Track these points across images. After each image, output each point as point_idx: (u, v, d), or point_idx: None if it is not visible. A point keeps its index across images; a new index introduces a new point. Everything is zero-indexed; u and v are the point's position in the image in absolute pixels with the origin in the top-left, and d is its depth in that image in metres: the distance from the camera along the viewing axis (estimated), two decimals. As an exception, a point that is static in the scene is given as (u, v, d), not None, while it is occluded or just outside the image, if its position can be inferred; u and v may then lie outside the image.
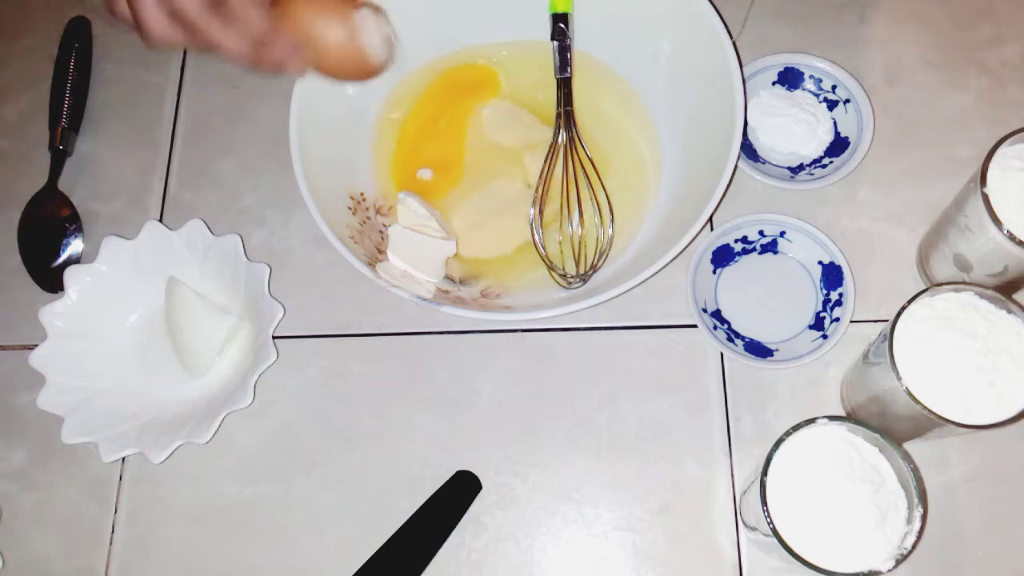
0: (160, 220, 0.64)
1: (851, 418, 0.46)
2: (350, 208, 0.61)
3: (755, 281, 0.61)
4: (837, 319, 0.58)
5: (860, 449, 0.46)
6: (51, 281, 0.64)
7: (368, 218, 0.62)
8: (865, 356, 0.53)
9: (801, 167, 0.64)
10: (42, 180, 0.67)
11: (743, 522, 0.55)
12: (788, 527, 0.45)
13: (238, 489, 0.59)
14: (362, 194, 0.63)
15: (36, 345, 0.59)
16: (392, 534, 0.56)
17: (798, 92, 0.65)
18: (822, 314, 0.59)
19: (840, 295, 0.59)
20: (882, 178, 0.63)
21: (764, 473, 0.45)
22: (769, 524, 0.44)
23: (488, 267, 0.62)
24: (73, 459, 0.60)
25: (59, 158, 0.68)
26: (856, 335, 0.58)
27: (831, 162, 0.63)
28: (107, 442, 0.57)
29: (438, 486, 0.57)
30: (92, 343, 0.61)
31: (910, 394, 0.46)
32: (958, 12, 0.68)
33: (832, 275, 0.60)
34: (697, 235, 0.54)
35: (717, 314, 0.60)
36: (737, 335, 0.59)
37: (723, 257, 0.61)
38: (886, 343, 0.47)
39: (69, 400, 0.58)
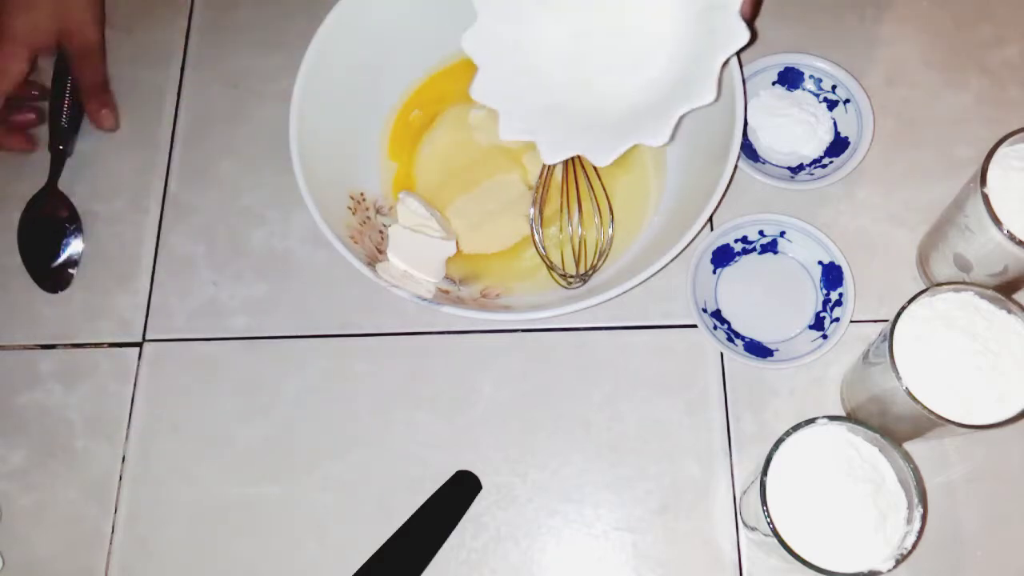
0: (160, 220, 0.64)
1: (851, 418, 0.46)
2: (350, 208, 0.61)
3: (755, 281, 0.61)
4: (837, 319, 0.58)
5: (860, 449, 0.46)
6: (51, 280, 0.64)
7: (368, 218, 0.62)
8: (865, 356, 0.53)
9: (801, 167, 0.64)
10: (42, 180, 0.67)
11: (743, 522, 0.55)
12: (788, 527, 0.45)
13: (238, 489, 0.59)
14: (362, 194, 0.63)
15: (36, 345, 0.59)
16: (392, 534, 0.56)
17: (798, 92, 0.65)
18: (822, 314, 0.59)
19: (840, 295, 0.59)
20: (882, 178, 0.63)
21: (764, 473, 0.45)
22: (769, 524, 0.44)
23: (488, 267, 0.62)
24: (73, 459, 0.60)
25: (59, 158, 0.68)
26: (856, 335, 0.58)
27: (831, 162, 0.63)
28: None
29: (438, 486, 0.57)
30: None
31: (910, 394, 0.46)
32: (958, 12, 0.68)
33: (832, 275, 0.60)
34: (697, 235, 0.54)
35: (717, 314, 0.60)
36: (737, 335, 0.59)
37: (723, 257, 0.61)
38: (886, 343, 0.47)
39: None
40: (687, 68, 0.52)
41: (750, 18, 0.51)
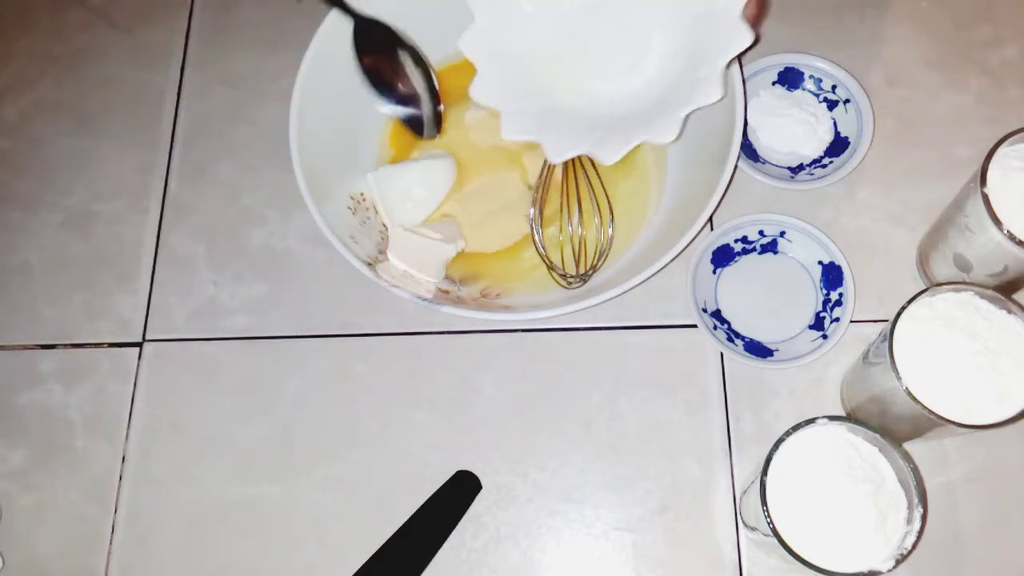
0: (160, 220, 0.64)
1: (851, 418, 0.46)
2: (350, 208, 0.61)
3: (755, 281, 0.61)
4: (837, 319, 0.58)
5: (860, 449, 0.46)
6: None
7: (368, 218, 0.62)
8: (865, 356, 0.53)
9: (801, 167, 0.64)
10: (41, 180, 0.67)
11: (743, 522, 0.55)
12: (788, 527, 0.45)
13: (238, 489, 0.59)
14: (362, 194, 0.63)
15: (36, 345, 0.59)
16: (392, 534, 0.56)
17: (798, 92, 0.65)
18: (822, 314, 0.59)
19: (840, 295, 0.59)
20: (882, 178, 0.63)
21: (764, 473, 0.45)
22: (769, 524, 0.44)
23: (488, 266, 0.62)
24: (73, 459, 0.60)
25: None
26: (856, 335, 0.58)
27: (831, 162, 0.63)
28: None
29: (438, 486, 0.57)
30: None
31: (910, 394, 0.46)
32: (958, 12, 0.68)
33: (832, 275, 0.60)
34: (697, 235, 0.54)
35: (717, 314, 0.60)
36: (737, 335, 0.59)
37: (723, 257, 0.61)
38: (886, 343, 0.47)
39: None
40: (689, 69, 0.53)
41: (755, 20, 0.51)
